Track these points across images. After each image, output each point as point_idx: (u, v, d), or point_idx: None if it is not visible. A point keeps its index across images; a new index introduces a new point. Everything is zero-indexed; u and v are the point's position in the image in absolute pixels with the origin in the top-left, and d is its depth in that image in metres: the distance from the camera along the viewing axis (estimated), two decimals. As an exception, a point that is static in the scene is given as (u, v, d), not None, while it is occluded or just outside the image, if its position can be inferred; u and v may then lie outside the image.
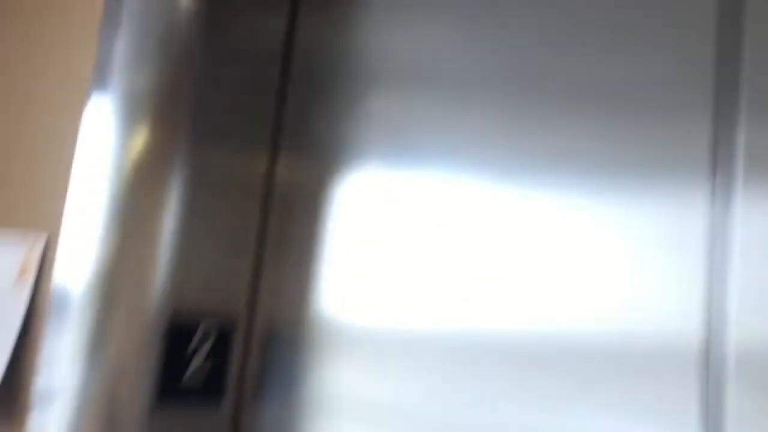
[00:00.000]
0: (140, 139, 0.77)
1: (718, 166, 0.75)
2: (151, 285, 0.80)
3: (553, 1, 0.84)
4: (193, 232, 0.84)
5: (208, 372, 0.88)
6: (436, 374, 0.79)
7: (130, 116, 0.78)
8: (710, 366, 0.70)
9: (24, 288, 0.96)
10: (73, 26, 0.93)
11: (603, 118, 0.80)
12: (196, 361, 0.87)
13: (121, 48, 0.78)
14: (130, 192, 0.77)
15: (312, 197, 0.91)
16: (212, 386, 0.89)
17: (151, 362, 0.81)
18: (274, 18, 0.95)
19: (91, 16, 0.91)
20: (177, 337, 0.86)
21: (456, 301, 0.80)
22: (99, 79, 0.80)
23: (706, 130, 0.76)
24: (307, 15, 0.96)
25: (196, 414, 0.86)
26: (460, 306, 0.80)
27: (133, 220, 0.77)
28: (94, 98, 0.80)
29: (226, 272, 0.89)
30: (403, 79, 0.88)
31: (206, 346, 0.89)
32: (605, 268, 0.76)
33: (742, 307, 0.71)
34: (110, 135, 0.78)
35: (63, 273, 0.81)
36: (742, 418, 0.69)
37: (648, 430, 0.70)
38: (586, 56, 0.82)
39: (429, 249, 0.83)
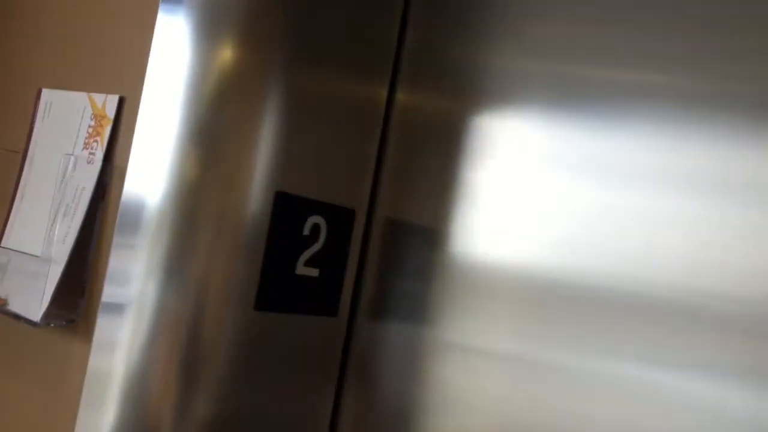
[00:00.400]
0: (223, 57, 0.70)
1: None
2: (244, 203, 0.71)
3: None
4: (298, 155, 0.74)
5: (319, 283, 0.78)
6: (561, 321, 0.70)
7: (209, 32, 0.71)
8: None
9: (94, 154, 0.78)
10: None
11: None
12: (303, 269, 0.76)
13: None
14: (214, 111, 0.69)
15: (436, 127, 0.82)
16: (324, 299, 0.79)
17: (244, 279, 0.71)
18: None
19: None
20: (282, 245, 0.74)
21: (591, 251, 0.70)
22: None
23: None
24: None
25: (306, 324, 0.77)
26: (593, 255, 0.70)
27: (220, 140, 0.70)
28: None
29: (333, 194, 0.79)
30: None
31: (315, 247, 0.77)
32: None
33: None
34: (186, 50, 0.71)
35: (134, 188, 0.71)
36: None
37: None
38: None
39: (560, 193, 0.73)
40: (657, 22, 0.70)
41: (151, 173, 0.70)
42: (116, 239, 0.70)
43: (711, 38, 0.67)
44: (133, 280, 0.69)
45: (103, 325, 0.70)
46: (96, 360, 0.70)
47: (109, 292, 0.70)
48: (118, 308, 0.69)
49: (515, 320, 0.73)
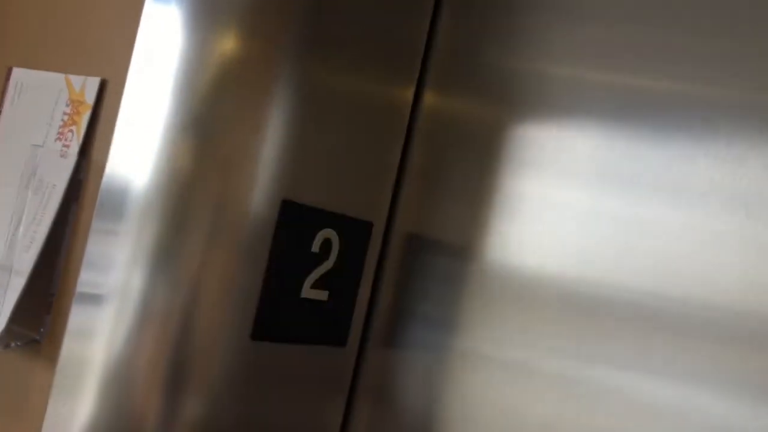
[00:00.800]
0: (222, 43, 0.64)
1: None
2: (244, 201, 0.63)
3: None
4: (308, 159, 0.67)
5: (327, 308, 0.69)
6: (581, 332, 0.67)
7: (208, 13, 0.64)
8: None
9: (68, 146, 0.68)
10: None
11: None
12: (310, 291, 0.67)
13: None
14: (210, 101, 0.63)
15: (467, 133, 0.75)
16: (332, 327, 0.71)
17: (243, 281, 0.63)
18: None
19: None
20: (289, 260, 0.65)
21: (638, 268, 0.66)
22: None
23: None
24: None
25: (310, 351, 0.70)
26: (640, 273, 0.66)
27: (215, 132, 0.63)
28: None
29: (348, 205, 0.71)
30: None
31: (325, 266, 0.68)
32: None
33: None
34: (180, 31, 0.64)
35: (117, 170, 0.64)
36: None
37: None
38: None
39: (602, 206, 0.68)
40: (722, 28, 0.64)
41: (137, 157, 0.62)
42: (96, 224, 0.62)
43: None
44: (115, 268, 0.61)
45: (77, 317, 0.63)
46: (69, 350, 0.63)
47: (86, 280, 0.63)
48: (96, 298, 0.62)
49: (555, 346, 0.66)
